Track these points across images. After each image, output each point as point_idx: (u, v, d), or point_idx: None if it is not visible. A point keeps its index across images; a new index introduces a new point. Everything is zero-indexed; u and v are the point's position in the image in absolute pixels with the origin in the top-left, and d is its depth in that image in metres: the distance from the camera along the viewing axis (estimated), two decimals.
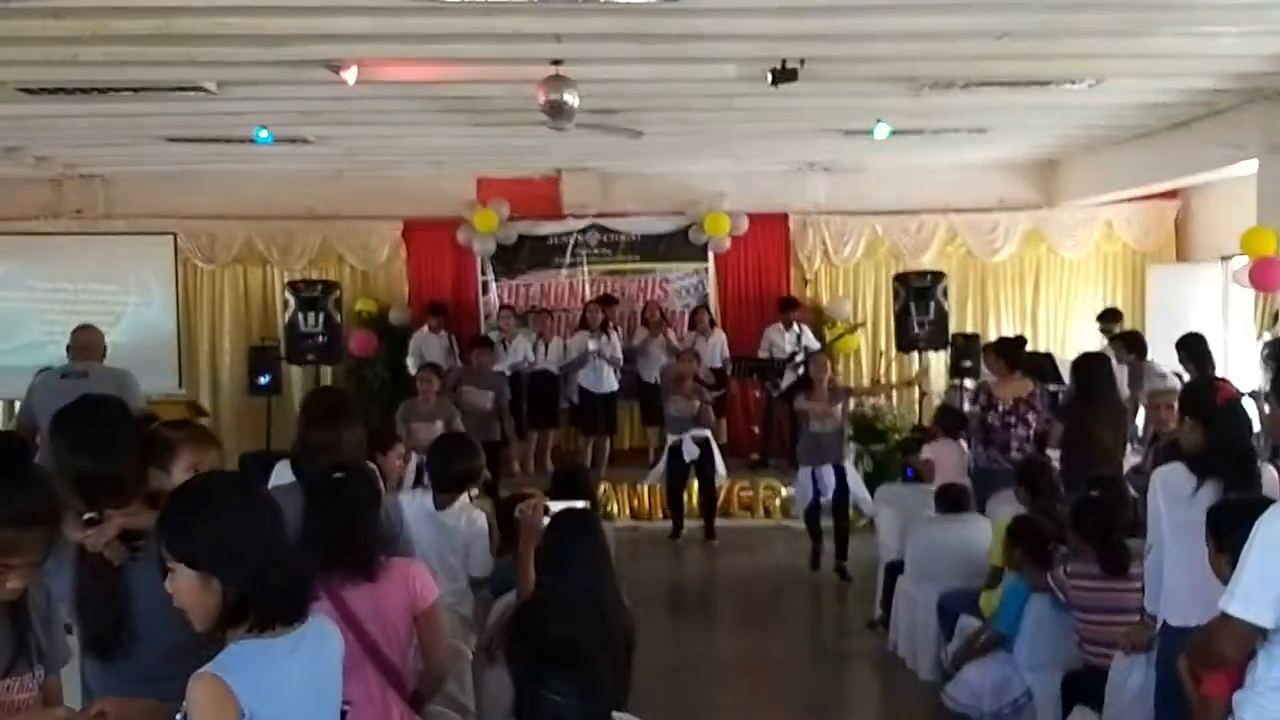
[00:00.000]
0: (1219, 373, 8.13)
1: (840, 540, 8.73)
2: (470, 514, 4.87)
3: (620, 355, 11.13)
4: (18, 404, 8.35)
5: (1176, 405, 4.32)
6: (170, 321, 11.54)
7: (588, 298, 11.92)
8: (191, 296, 12.13)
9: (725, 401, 11.27)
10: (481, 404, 9.79)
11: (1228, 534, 3.12)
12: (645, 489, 10.56)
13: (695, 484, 10.16)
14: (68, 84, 7.60)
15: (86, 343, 6.71)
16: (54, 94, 7.82)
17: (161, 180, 11.74)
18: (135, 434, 3.23)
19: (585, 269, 12.29)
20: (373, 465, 4.19)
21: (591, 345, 10.98)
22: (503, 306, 11.84)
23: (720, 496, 10.35)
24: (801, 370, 9.73)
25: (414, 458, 6.71)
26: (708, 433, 9.86)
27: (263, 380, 10.93)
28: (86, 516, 2.96)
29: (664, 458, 10.02)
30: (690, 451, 9.74)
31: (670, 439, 9.91)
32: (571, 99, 7.28)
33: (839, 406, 8.62)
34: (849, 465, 8.81)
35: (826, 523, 8.79)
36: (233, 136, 9.47)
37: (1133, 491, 5.49)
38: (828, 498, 8.68)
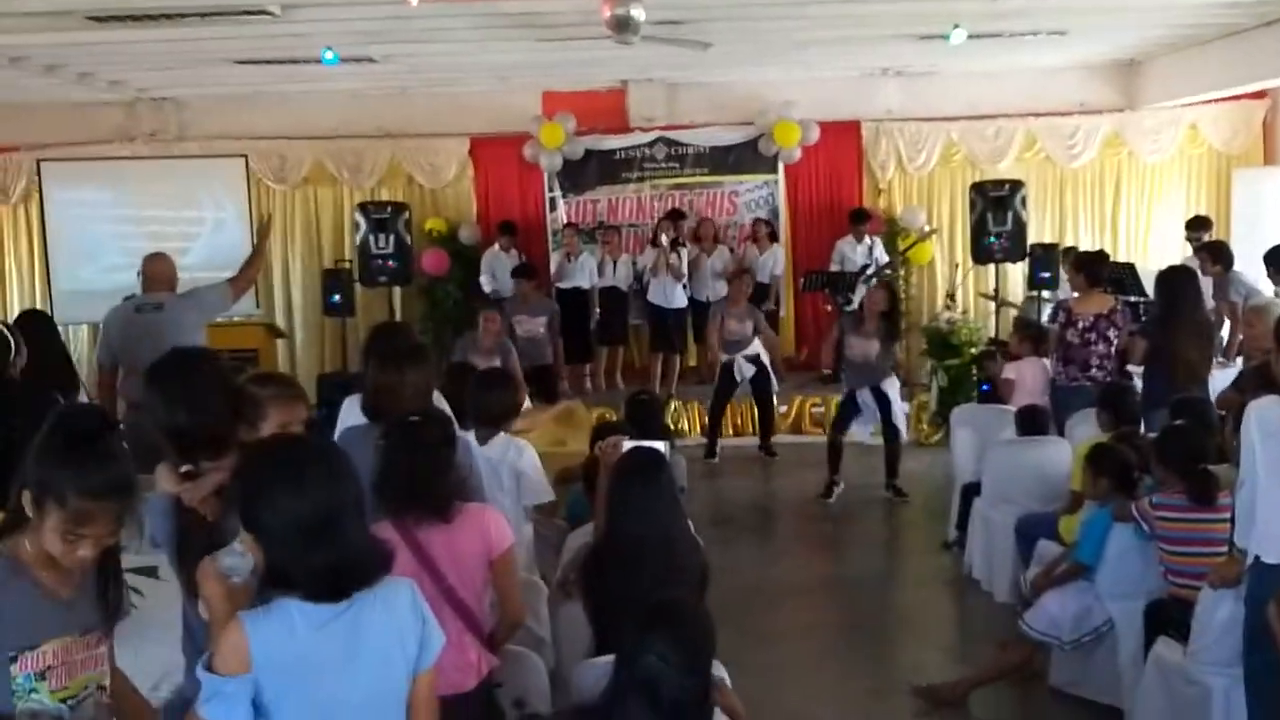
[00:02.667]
0: None
1: (891, 461, 8.67)
2: (515, 445, 4.88)
3: (686, 271, 11.01)
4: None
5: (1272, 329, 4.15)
6: (244, 243, 11.57)
7: (656, 213, 11.80)
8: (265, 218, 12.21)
9: (774, 317, 11.15)
10: (535, 330, 10.04)
11: None
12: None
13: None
14: (134, 11, 7.59)
15: (157, 273, 6.57)
16: (121, 21, 7.82)
17: (231, 102, 11.78)
18: (227, 387, 3.26)
19: (653, 183, 12.14)
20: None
21: (646, 263, 11.02)
22: (567, 224, 11.77)
23: (791, 413, 10.31)
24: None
25: None
26: (759, 350, 9.79)
27: (335, 301, 11.02)
28: (184, 469, 3.01)
29: (716, 377, 9.98)
30: (745, 370, 9.70)
31: (723, 358, 9.83)
32: (637, 12, 7.13)
33: (876, 341, 8.42)
34: (891, 387, 8.61)
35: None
36: (299, 58, 9.44)
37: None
38: (865, 425, 8.68)
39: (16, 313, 11.56)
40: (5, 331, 5.19)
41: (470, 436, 4.83)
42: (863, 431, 8.85)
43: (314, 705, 2.36)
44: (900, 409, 8.74)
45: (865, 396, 8.53)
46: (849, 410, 8.68)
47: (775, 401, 10.17)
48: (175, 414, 3.07)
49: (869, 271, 10.71)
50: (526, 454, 4.89)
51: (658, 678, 2.54)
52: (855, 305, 9.79)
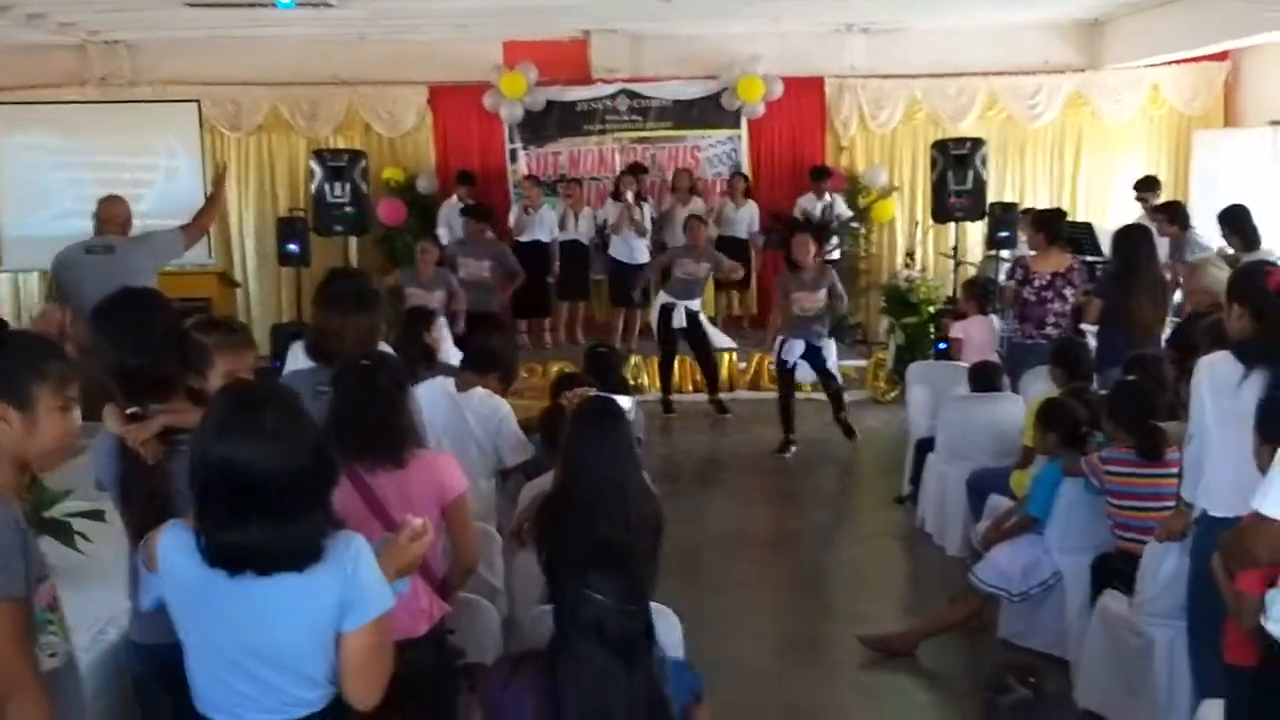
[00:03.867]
0: (1264, 246, 7.91)
1: (835, 399, 8.77)
2: (491, 400, 4.86)
3: (649, 225, 10.94)
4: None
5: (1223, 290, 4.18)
6: (198, 191, 11.36)
7: (618, 166, 11.71)
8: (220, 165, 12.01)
9: (747, 277, 11.15)
10: (478, 273, 9.74)
11: (1275, 428, 3.04)
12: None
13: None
14: None
15: (110, 215, 6.54)
16: None
17: (185, 47, 11.53)
18: (175, 329, 3.20)
19: (615, 136, 12.05)
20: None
21: (608, 217, 10.90)
22: (527, 176, 11.65)
23: (750, 369, 10.34)
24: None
25: None
26: (697, 304, 9.76)
27: (291, 249, 10.86)
28: (129, 411, 2.96)
29: (653, 318, 9.87)
30: (679, 319, 9.63)
31: (663, 299, 9.73)
32: None
33: (823, 290, 8.42)
34: (824, 341, 8.65)
35: None
36: (254, 1, 9.24)
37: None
38: (802, 375, 8.72)
39: None
40: None
41: (447, 383, 4.81)
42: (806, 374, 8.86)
43: (214, 640, 2.39)
44: (834, 359, 8.78)
45: (795, 349, 8.50)
46: (779, 360, 8.66)
47: (716, 355, 10.12)
48: (123, 354, 3.03)
49: (831, 229, 10.67)
50: (502, 409, 4.86)
51: (601, 614, 2.54)
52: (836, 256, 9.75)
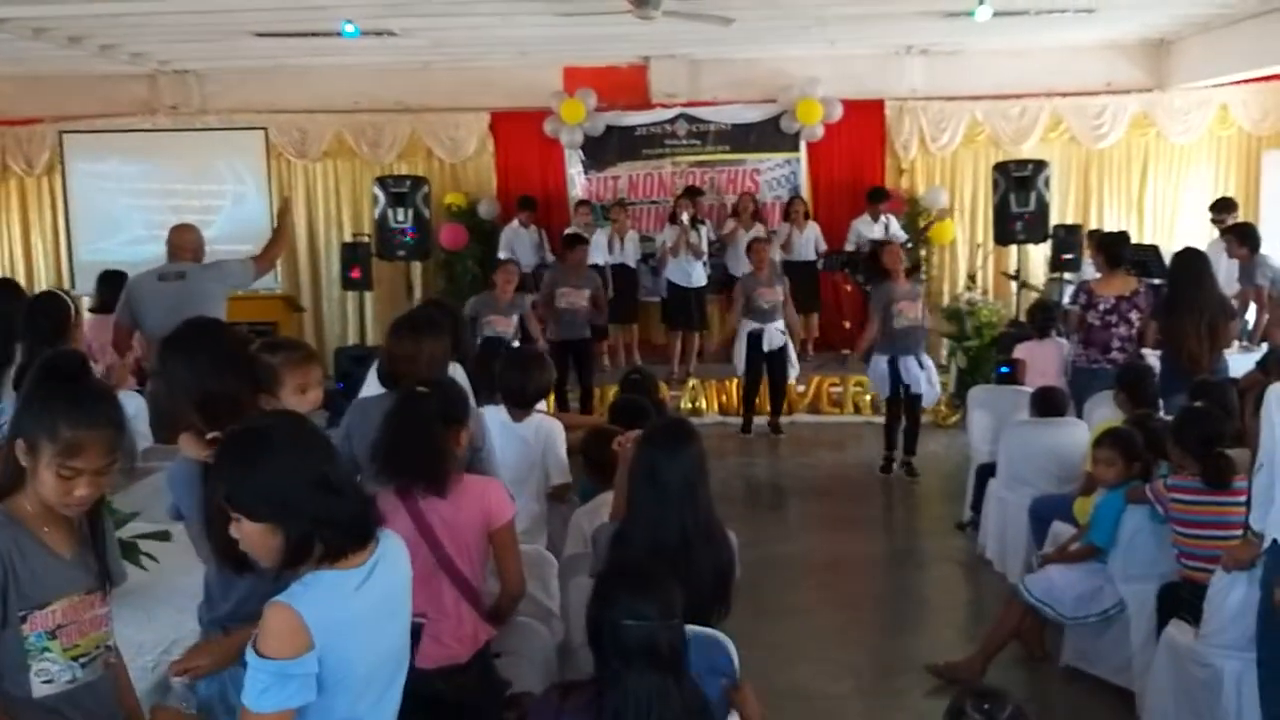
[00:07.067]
0: None
1: (910, 437, 8.59)
2: (548, 420, 4.90)
3: (706, 248, 10.90)
4: None
5: None
6: (265, 217, 11.63)
7: (677, 189, 11.75)
8: (285, 191, 12.23)
9: (811, 300, 11.09)
10: (578, 303, 9.65)
11: None
12: (733, 385, 10.48)
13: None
14: None
15: (181, 242, 6.65)
16: None
17: (252, 75, 11.80)
18: (243, 352, 3.27)
19: (674, 160, 12.09)
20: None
21: (666, 240, 10.85)
22: (580, 201, 11.73)
23: (809, 393, 10.26)
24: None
25: None
26: (782, 324, 9.67)
27: (353, 276, 11.03)
28: (209, 436, 3.02)
29: (743, 346, 9.71)
30: (774, 340, 9.58)
31: (751, 326, 9.64)
32: None
33: (920, 300, 8.35)
34: (928, 359, 8.54)
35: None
36: (319, 30, 9.44)
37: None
38: (918, 389, 8.42)
39: (40, 285, 11.73)
40: (64, 297, 5.27)
41: (501, 411, 4.85)
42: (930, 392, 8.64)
43: (357, 669, 2.32)
44: (936, 387, 8.67)
45: (910, 366, 8.34)
46: (895, 380, 8.41)
47: (791, 381, 10.08)
48: (201, 380, 3.08)
49: None
50: (554, 432, 4.90)
51: (649, 636, 2.54)
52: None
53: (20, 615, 2.40)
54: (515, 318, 8.75)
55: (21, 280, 11.80)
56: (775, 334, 9.60)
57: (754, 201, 11.52)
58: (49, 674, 2.45)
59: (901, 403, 8.48)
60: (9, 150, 12.30)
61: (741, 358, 9.76)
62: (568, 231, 10.62)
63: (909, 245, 11.31)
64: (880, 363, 8.42)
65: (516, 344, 8.26)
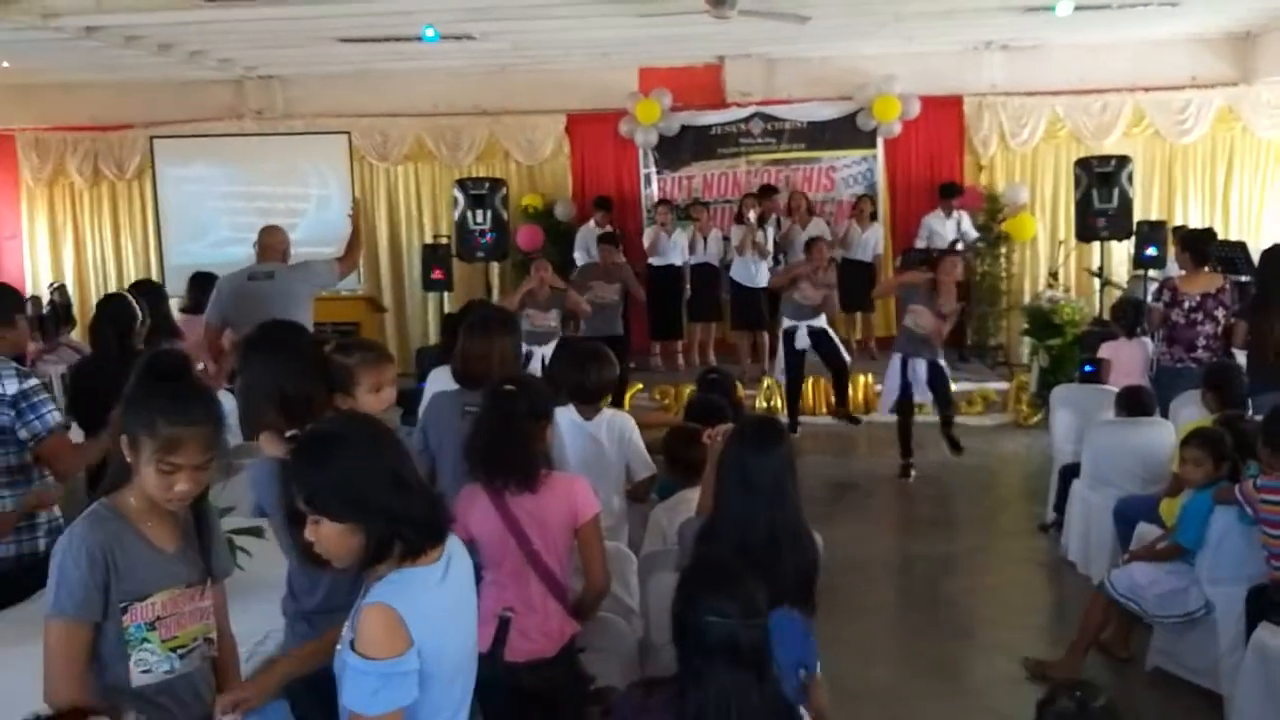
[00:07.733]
0: None
1: (945, 420, 8.48)
2: (620, 415, 4.90)
3: (771, 248, 10.77)
4: None
5: None
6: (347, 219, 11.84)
7: (751, 189, 11.71)
8: (367, 194, 12.48)
9: (870, 299, 10.92)
10: (608, 296, 9.69)
11: None
12: (809, 385, 10.42)
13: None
14: None
15: (270, 243, 6.82)
16: (230, 0, 8.06)
17: (335, 81, 12.06)
18: (319, 354, 3.38)
19: (749, 159, 12.09)
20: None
21: (733, 239, 10.79)
22: (660, 200, 11.77)
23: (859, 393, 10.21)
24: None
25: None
26: (823, 322, 9.54)
27: (434, 276, 11.21)
28: (289, 434, 3.10)
29: (780, 347, 9.67)
30: (802, 341, 9.47)
31: (786, 324, 9.55)
32: None
33: (938, 323, 8.17)
34: (942, 361, 8.41)
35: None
36: (401, 35, 9.61)
37: None
38: (921, 396, 8.38)
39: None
40: (131, 300, 5.42)
41: (570, 411, 4.87)
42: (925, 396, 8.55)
43: (447, 662, 2.35)
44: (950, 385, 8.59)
45: (919, 368, 8.29)
46: (904, 382, 8.38)
47: (848, 368, 9.89)
48: (282, 380, 3.17)
49: (958, 248, 10.44)
50: (629, 427, 4.86)
51: (731, 633, 2.53)
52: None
53: (121, 607, 2.49)
54: (554, 311, 8.93)
55: (112, 283, 12.19)
56: (804, 335, 9.47)
57: (806, 199, 11.41)
58: (147, 664, 2.53)
59: (910, 405, 8.45)
60: (101, 155, 12.71)
61: (780, 358, 9.76)
62: (600, 232, 10.59)
63: (981, 244, 11.17)
64: (895, 361, 8.42)
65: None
